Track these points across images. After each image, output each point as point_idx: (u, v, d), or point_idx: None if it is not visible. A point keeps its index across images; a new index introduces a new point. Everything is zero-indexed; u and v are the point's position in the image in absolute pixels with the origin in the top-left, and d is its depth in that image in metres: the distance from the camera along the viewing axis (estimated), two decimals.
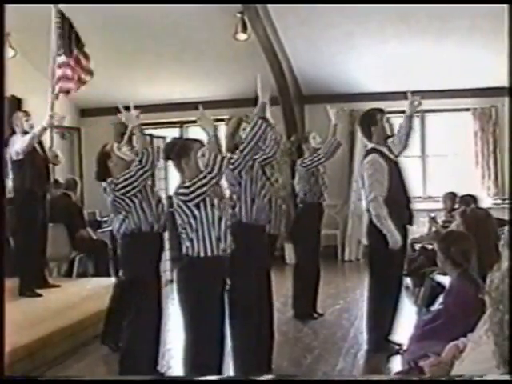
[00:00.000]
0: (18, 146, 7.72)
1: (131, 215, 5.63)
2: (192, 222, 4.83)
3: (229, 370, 5.49)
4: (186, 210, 4.81)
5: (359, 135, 12.38)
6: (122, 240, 5.78)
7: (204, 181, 4.73)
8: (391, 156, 6.48)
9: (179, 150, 5.02)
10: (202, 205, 4.80)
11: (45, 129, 7.88)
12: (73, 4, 9.56)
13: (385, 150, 6.46)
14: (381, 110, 6.65)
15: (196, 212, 4.80)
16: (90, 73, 8.45)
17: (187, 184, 4.78)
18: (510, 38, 7.62)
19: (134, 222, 5.65)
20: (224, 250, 4.89)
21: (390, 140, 6.56)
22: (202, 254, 4.83)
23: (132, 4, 9.72)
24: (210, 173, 4.74)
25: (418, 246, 8.91)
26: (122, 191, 5.56)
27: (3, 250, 6.31)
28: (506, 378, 1.75)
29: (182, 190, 4.81)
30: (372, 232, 6.35)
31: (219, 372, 5.03)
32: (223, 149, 5.34)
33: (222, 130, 12.19)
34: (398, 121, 12.17)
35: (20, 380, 2.76)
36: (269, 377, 3.00)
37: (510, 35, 7.64)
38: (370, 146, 6.53)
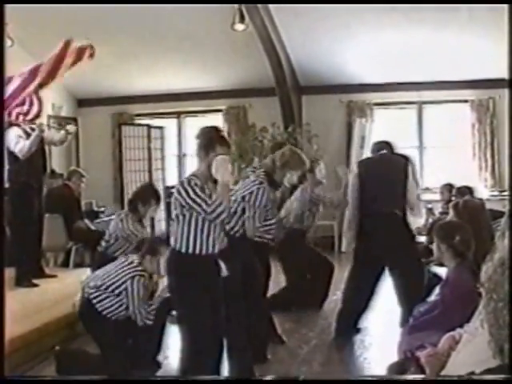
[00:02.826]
0: (18, 148, 7.65)
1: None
2: (180, 218, 4.83)
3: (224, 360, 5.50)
4: (179, 206, 4.83)
5: (356, 126, 12.39)
6: None
7: (212, 215, 4.74)
8: None
9: (205, 143, 4.95)
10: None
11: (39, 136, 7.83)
12: (73, 4, 9.58)
13: None
14: None
15: (187, 213, 4.81)
16: None
17: (191, 194, 4.75)
18: (510, 38, 7.60)
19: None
20: (213, 250, 4.90)
21: None
22: (183, 251, 4.84)
23: (132, 4, 9.73)
24: (212, 211, 4.71)
25: None
26: None
27: (3, 242, 6.32)
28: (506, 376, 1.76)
29: (187, 188, 4.78)
30: None
31: (216, 363, 5.06)
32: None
33: (220, 120, 12.13)
34: (395, 112, 12.15)
35: (20, 380, 2.77)
36: (269, 377, 3.01)
37: (510, 35, 7.62)
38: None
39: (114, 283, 5.61)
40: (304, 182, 7.69)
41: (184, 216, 4.81)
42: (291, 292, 7.87)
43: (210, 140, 4.93)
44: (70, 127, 8.39)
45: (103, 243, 7.21)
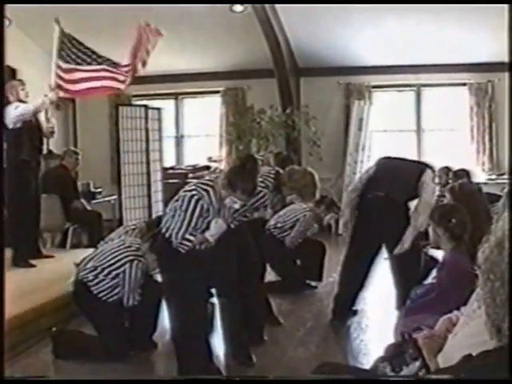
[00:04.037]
0: (19, 110, 7.70)
1: None
2: (177, 212, 4.83)
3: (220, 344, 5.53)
4: (178, 205, 4.83)
5: (354, 108, 12.36)
6: None
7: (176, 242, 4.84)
8: None
9: (234, 179, 4.85)
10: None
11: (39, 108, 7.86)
12: (72, 4, 9.53)
13: None
14: None
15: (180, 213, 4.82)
16: None
17: (189, 213, 4.77)
18: (510, 37, 7.60)
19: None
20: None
21: None
22: (170, 239, 4.85)
23: (132, 4, 9.68)
24: (179, 242, 4.83)
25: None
26: None
27: (2, 224, 6.32)
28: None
29: (191, 204, 4.79)
30: None
31: (207, 345, 5.09)
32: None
33: (217, 101, 12.08)
34: (393, 95, 12.13)
35: (20, 380, 2.78)
36: (271, 376, 3.04)
37: (509, 35, 7.62)
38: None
39: (111, 265, 5.59)
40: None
41: (180, 210, 4.82)
42: (285, 283, 7.90)
43: (238, 181, 4.84)
44: (53, 124, 8.42)
45: None
